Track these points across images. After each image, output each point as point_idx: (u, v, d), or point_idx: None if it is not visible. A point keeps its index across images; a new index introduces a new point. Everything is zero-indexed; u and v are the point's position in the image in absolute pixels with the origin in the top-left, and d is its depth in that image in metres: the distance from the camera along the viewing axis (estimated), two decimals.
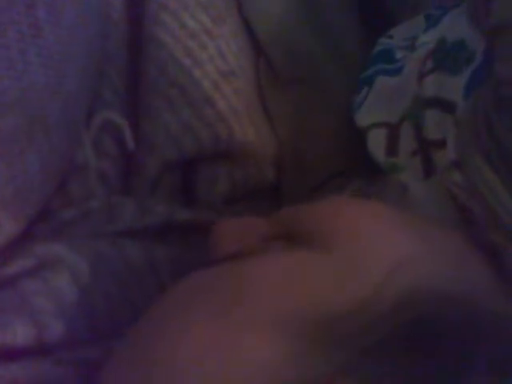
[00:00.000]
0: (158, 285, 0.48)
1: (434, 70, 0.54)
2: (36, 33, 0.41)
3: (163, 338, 0.36)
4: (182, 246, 0.51)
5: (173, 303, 0.39)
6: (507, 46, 0.46)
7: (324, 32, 0.62)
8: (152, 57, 0.54)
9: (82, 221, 0.49)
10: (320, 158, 0.60)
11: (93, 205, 0.50)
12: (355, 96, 0.60)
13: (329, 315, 0.36)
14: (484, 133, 0.45)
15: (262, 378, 0.34)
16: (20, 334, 0.42)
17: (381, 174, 0.57)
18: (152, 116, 0.54)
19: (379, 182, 0.57)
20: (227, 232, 0.43)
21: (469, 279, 0.39)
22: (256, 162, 0.57)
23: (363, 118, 0.58)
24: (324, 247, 0.38)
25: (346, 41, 0.63)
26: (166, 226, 0.51)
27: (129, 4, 0.55)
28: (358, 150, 0.58)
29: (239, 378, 0.34)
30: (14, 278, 0.44)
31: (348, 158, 0.59)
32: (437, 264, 0.39)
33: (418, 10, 0.64)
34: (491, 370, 0.34)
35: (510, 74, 0.45)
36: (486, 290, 0.39)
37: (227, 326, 0.36)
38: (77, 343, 0.43)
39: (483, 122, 0.46)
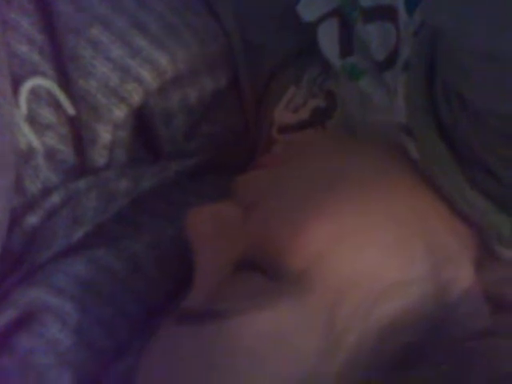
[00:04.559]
0: (144, 281, 0.47)
1: None
2: None
3: None
4: (151, 219, 0.50)
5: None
6: None
7: None
8: None
9: (47, 224, 0.47)
10: (271, 40, 0.55)
11: (53, 201, 0.47)
12: None
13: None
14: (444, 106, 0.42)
15: None
16: None
17: None
18: (82, 66, 0.49)
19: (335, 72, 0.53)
20: (202, 229, 0.44)
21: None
22: (208, 69, 0.53)
23: (309, 11, 0.52)
24: (300, 285, 0.40)
25: None
26: (133, 204, 0.49)
27: None
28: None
29: None
30: (3, 334, 0.43)
31: (302, 37, 0.54)
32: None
33: None
34: None
35: None
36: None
37: None
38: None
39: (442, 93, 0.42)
